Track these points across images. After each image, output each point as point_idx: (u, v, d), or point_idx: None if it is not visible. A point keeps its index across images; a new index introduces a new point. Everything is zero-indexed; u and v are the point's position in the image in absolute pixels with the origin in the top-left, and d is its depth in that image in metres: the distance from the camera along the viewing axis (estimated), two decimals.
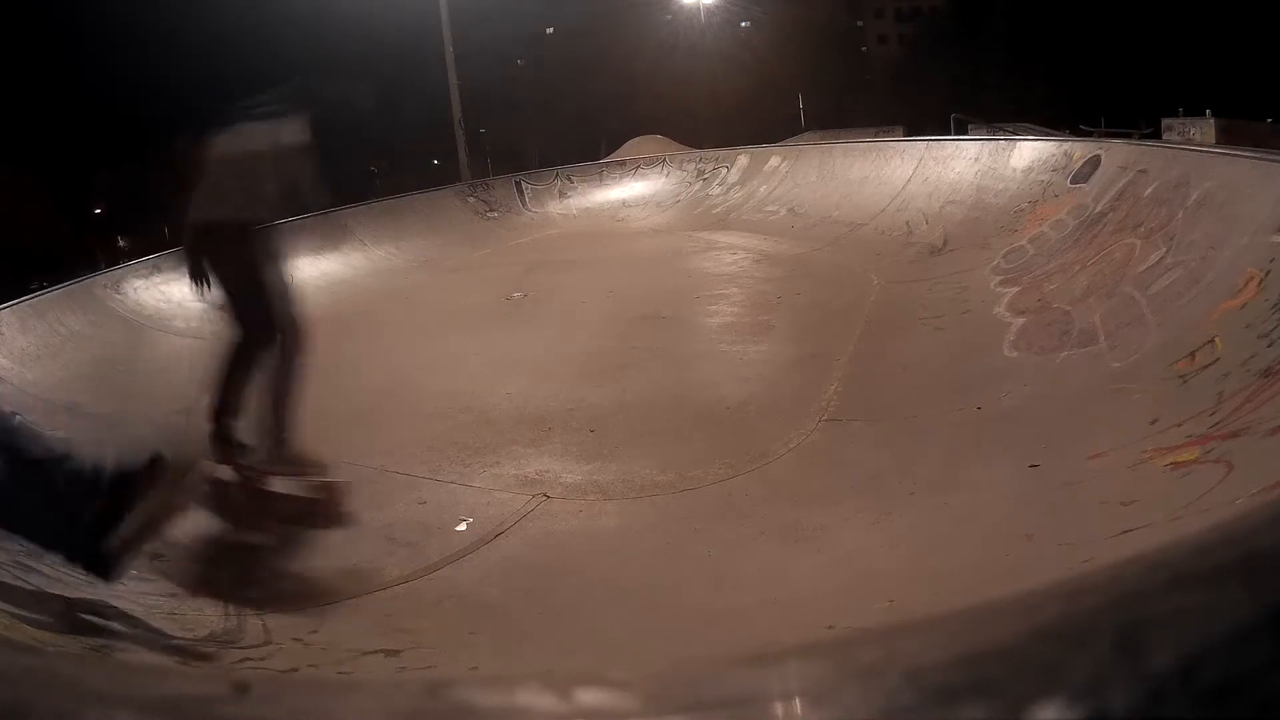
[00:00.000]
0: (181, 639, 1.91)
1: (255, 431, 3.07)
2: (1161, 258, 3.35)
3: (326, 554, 2.55)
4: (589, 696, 0.32)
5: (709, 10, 30.06)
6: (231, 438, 3.08)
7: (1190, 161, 3.77)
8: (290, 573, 2.42)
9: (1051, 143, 5.92)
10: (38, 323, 4.93)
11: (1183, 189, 3.61)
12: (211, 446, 3.02)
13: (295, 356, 3.10)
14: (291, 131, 3.13)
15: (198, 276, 3.15)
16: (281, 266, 3.19)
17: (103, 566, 1.89)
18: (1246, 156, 3.40)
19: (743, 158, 9.84)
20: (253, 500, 2.93)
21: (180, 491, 1.97)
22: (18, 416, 3.85)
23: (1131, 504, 1.98)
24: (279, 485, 3.01)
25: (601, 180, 10.79)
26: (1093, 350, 3.13)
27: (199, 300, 3.31)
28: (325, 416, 3.88)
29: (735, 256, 6.72)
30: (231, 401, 3.09)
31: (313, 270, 7.56)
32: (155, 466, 1.97)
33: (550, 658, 1.85)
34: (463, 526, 2.67)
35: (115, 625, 1.87)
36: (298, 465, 3.03)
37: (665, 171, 10.54)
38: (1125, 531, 1.84)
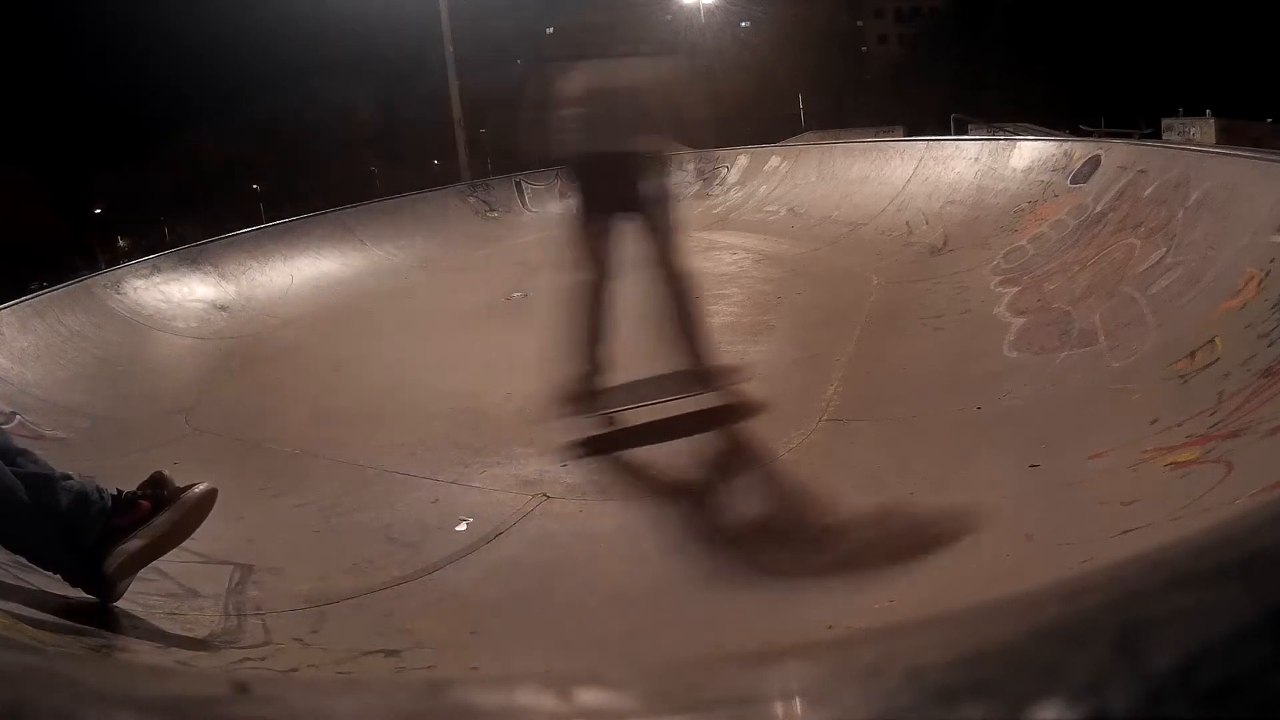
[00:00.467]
0: (181, 639, 1.91)
1: (686, 367, 3.27)
2: (1161, 258, 3.35)
3: (327, 554, 2.55)
4: (589, 696, 0.32)
5: (709, 10, 30.07)
6: (595, 388, 3.21)
7: (1190, 161, 3.77)
8: None
9: (1051, 143, 5.92)
10: (38, 323, 4.93)
11: (1183, 189, 3.61)
12: (577, 398, 3.20)
13: (686, 281, 3.20)
14: (673, 66, 3.18)
15: (588, 204, 3.13)
16: (669, 196, 3.25)
17: (102, 588, 1.88)
18: (1246, 156, 3.40)
19: (743, 158, 9.83)
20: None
21: (186, 510, 1.95)
22: (18, 416, 3.87)
23: (1131, 504, 1.98)
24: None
25: None
26: (1093, 350, 3.12)
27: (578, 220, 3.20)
28: (326, 416, 3.89)
29: (735, 256, 6.71)
30: (597, 348, 3.21)
31: (313, 270, 7.59)
32: (158, 486, 1.95)
33: (550, 658, 1.85)
34: (463, 526, 2.67)
35: (115, 625, 1.87)
36: (726, 380, 3.26)
37: None
38: (1125, 531, 1.84)
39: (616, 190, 3.06)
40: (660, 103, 3.09)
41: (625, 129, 3.03)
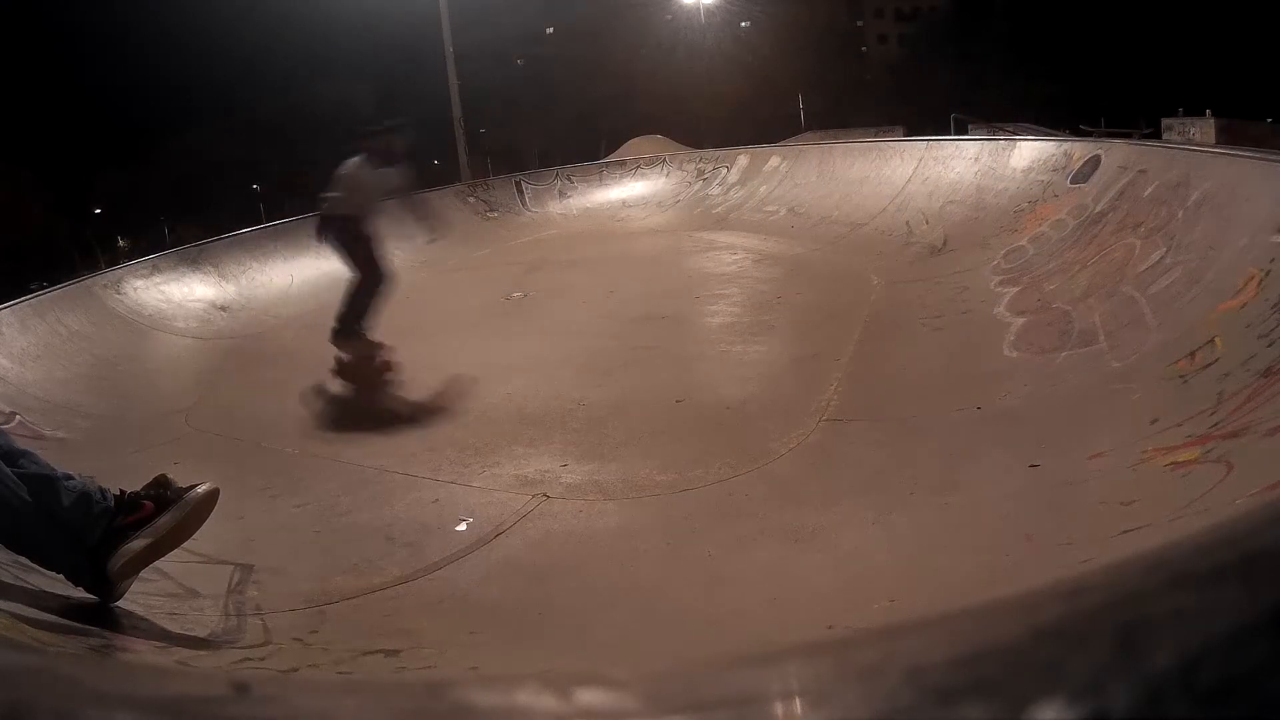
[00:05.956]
0: (181, 639, 1.91)
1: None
2: (1161, 258, 3.35)
3: (327, 554, 2.55)
4: (589, 696, 0.32)
5: (709, 10, 30.09)
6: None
7: (1190, 161, 3.77)
8: None
9: (1051, 143, 5.92)
10: (38, 323, 4.93)
11: (1183, 189, 3.61)
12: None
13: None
14: None
15: None
16: None
17: (105, 587, 1.88)
18: (1246, 156, 3.40)
19: (743, 158, 9.83)
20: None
21: (189, 510, 1.95)
22: (18, 416, 3.87)
23: (1131, 504, 1.98)
24: None
25: (601, 180, 10.78)
26: (1093, 350, 3.12)
27: None
28: (326, 416, 3.90)
29: (735, 256, 6.72)
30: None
31: (313, 270, 7.58)
32: (162, 487, 1.96)
33: (550, 658, 1.85)
34: (463, 526, 2.67)
35: (115, 625, 1.87)
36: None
37: (665, 171, 10.53)
38: (1125, 531, 1.84)
39: None
40: None
41: None
